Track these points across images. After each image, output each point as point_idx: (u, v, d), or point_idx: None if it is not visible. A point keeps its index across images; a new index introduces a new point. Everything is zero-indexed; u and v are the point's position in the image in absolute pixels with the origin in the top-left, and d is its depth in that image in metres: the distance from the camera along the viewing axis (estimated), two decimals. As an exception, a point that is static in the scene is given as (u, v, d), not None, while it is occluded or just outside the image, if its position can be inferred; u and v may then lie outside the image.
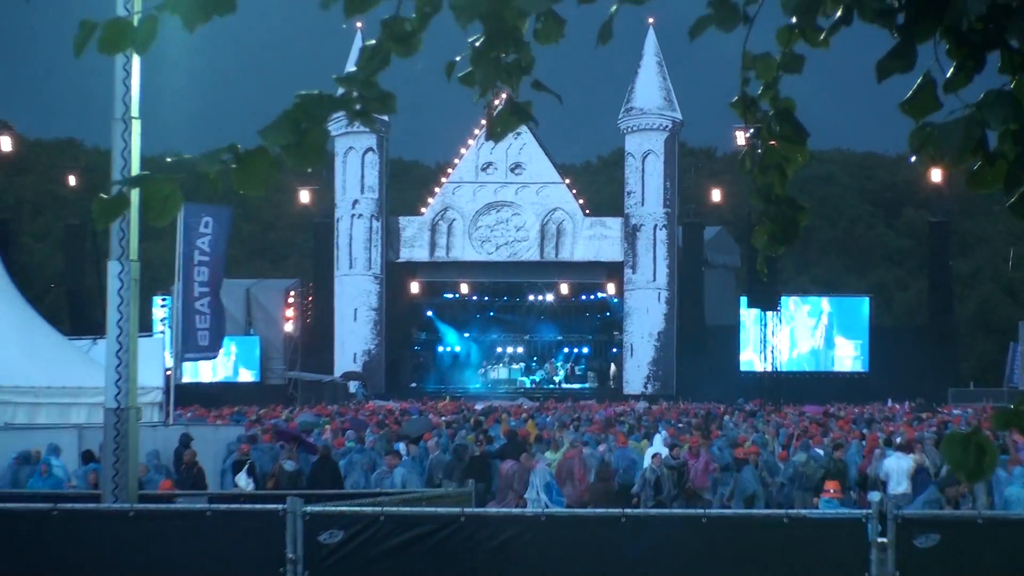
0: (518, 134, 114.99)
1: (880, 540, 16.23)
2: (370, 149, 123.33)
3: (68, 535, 17.92)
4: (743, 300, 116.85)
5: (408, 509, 19.72)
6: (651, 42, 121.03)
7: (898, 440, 44.09)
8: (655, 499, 36.57)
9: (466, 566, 16.86)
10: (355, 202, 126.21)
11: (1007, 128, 5.61)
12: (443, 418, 71.07)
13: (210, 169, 5.74)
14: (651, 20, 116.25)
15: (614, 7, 6.35)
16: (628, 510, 28.29)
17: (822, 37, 6.11)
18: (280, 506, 17.16)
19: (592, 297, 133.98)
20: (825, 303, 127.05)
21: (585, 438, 50.90)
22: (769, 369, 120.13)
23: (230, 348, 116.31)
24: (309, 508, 17.39)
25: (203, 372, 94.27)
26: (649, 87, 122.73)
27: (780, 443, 47.82)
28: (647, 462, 41.20)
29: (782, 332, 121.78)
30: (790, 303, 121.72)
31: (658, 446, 44.33)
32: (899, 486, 35.07)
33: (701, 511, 28.21)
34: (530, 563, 16.87)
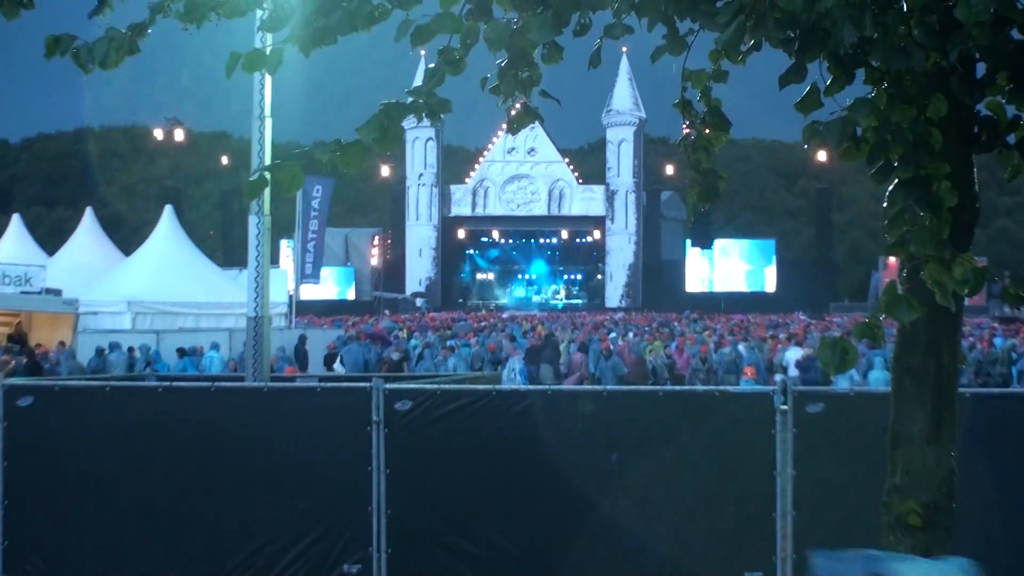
0: (532, 127, 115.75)
1: (782, 408, 16.22)
2: (430, 138, 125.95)
3: (221, 406, 17.99)
4: (687, 242, 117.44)
5: (456, 386, 19.78)
6: (624, 63, 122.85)
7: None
8: (654, 382, 37.08)
9: (495, 426, 16.85)
10: (420, 174, 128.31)
11: (869, 123, 5.61)
12: (481, 323, 71.42)
13: (322, 156, 5.92)
14: (624, 49, 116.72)
15: (598, 41, 6.35)
16: (608, 387, 28.23)
17: (740, 58, 6.08)
18: (368, 384, 17.20)
19: (583, 240, 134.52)
20: (745, 243, 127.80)
21: (573, 336, 51.58)
22: (705, 289, 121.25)
23: (333, 276, 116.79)
24: (387, 385, 17.44)
25: (315, 292, 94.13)
26: (622, 95, 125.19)
27: (713, 341, 47.84)
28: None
29: (716, 263, 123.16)
30: (719, 244, 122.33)
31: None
32: (792, 371, 35.29)
33: (658, 388, 28.22)
34: (539, 425, 16.87)
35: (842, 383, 29.18)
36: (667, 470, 16.56)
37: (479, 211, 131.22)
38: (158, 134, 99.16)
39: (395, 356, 39.84)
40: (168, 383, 20.99)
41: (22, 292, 45.28)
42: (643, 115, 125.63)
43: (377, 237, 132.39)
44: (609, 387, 26.53)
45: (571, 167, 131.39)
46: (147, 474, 17.35)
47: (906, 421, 6.11)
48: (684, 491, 16.45)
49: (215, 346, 41.30)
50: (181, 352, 40.36)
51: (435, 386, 18.88)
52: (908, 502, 6.06)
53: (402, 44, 6.12)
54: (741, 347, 43.35)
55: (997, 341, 46.21)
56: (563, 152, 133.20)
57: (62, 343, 40.72)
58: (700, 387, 31.20)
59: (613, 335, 51.82)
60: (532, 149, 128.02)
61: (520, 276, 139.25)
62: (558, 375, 39.41)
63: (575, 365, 38.79)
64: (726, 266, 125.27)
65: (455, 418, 17.20)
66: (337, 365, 42.31)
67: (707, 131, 6.70)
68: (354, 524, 16.89)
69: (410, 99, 6.22)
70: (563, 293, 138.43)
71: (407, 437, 16.95)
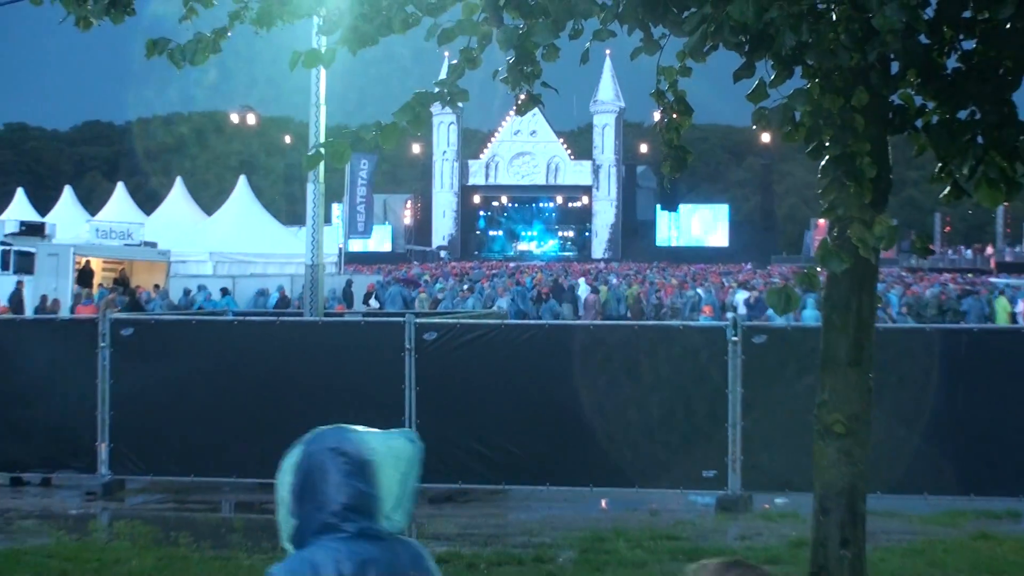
0: (533, 114, 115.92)
1: (733, 339, 16.27)
2: (452, 122, 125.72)
3: (285, 336, 18.07)
4: (658, 206, 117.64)
5: (472, 321, 19.87)
6: (608, 63, 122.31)
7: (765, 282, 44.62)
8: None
9: (503, 353, 16.94)
10: (444, 151, 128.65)
11: (805, 110, 5.65)
12: (492, 271, 71.72)
13: (366, 135, 5.99)
14: (608, 51, 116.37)
15: (588, 44, 6.36)
16: (595, 322, 28.30)
17: (702, 57, 6.08)
18: (402, 319, 17.27)
19: (574, 204, 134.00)
20: (703, 207, 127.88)
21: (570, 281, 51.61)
22: (672, 244, 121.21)
23: (374, 232, 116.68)
24: (418, 320, 17.52)
25: (359, 245, 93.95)
26: (606, 88, 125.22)
27: (678, 285, 48.00)
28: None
29: (681, 223, 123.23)
30: (683, 207, 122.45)
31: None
32: (741, 310, 35.30)
33: (635, 323, 28.28)
34: (537, 350, 16.96)
35: (780, 319, 29.23)
36: (642, 387, 16.68)
37: (491, 181, 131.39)
38: (234, 118, 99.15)
39: (440, 296, 40.50)
40: (241, 317, 21.21)
41: (125, 244, 45.61)
42: (623, 104, 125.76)
43: (409, 201, 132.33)
44: (596, 322, 26.59)
45: (564, 146, 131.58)
46: (224, 390, 17.45)
47: (833, 349, 6.15)
48: (656, 404, 16.55)
49: (279, 288, 41.49)
50: (224, 291, 40.68)
51: (455, 321, 19.08)
52: (834, 414, 6.10)
53: (403, 58, 6.22)
54: (700, 290, 43.51)
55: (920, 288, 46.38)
56: (558, 134, 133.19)
57: (156, 286, 40.84)
58: (668, 322, 31.24)
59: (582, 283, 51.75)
60: (534, 131, 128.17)
61: (523, 233, 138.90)
62: (575, 314, 39.61)
63: (589, 305, 38.95)
64: (691, 224, 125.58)
65: (471, 346, 17.30)
66: (372, 301, 43.07)
67: (675, 116, 6.74)
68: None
69: (436, 89, 6.30)
70: (558, 246, 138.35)
71: (433, 361, 17.04)
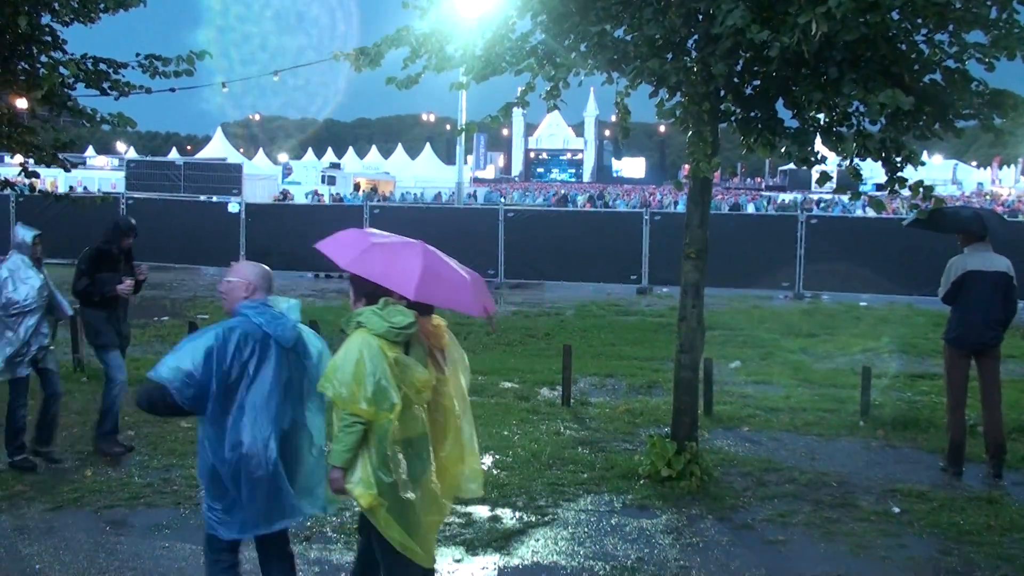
0: (557, 113, 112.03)
1: (645, 218, 16.07)
2: (523, 116, 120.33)
3: (451, 213, 18.01)
4: (613, 158, 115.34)
5: (529, 208, 19.70)
6: (592, 89, 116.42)
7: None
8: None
9: (545, 222, 16.88)
10: (519, 131, 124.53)
11: (682, 110, 5.54)
12: (535, 188, 70.14)
13: (484, 121, 5.93)
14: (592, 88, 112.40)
15: (581, 80, 6.23)
16: (583, 209, 27.81)
17: (635, 86, 5.93)
18: (497, 206, 17.13)
19: (576, 157, 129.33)
20: (634, 158, 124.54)
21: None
22: (620, 176, 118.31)
23: (487, 168, 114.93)
24: (505, 207, 17.42)
25: (480, 175, 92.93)
26: (591, 103, 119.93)
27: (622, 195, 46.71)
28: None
29: (624, 165, 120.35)
30: (625, 158, 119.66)
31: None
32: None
33: (603, 210, 27.78)
34: (560, 221, 16.90)
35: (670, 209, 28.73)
36: (607, 238, 16.58)
37: (539, 146, 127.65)
38: (423, 117, 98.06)
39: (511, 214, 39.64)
40: (426, 205, 21.01)
41: (375, 172, 45.66)
42: (598, 111, 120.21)
43: (502, 154, 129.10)
44: (584, 209, 26.15)
45: (571, 130, 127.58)
46: (424, 235, 17.51)
47: (691, 219, 6.12)
48: (611, 246, 16.42)
49: (445, 193, 41.30)
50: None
51: (522, 207, 18.99)
52: (691, 248, 6.09)
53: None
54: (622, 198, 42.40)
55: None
56: (568, 124, 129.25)
57: (391, 193, 40.91)
58: (615, 209, 30.60)
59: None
60: (557, 123, 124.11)
61: (552, 169, 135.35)
62: None
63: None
64: (628, 165, 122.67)
65: (529, 220, 17.24)
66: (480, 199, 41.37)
67: (623, 114, 6.59)
68: (490, 256, 17.03)
69: (515, 100, 6.23)
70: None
71: (512, 226, 16.99)
